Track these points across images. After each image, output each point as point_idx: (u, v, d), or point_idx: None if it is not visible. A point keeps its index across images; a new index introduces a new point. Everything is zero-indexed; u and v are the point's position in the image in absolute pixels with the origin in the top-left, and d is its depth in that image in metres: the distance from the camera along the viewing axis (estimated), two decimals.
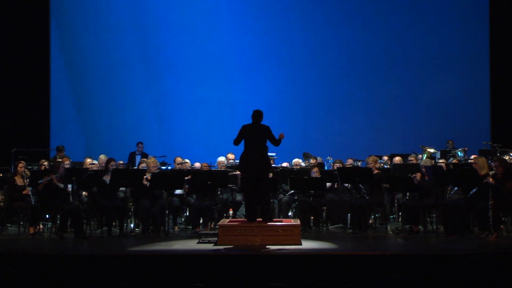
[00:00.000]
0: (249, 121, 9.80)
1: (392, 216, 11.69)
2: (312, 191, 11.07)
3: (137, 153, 14.54)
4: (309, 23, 16.85)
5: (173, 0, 16.92)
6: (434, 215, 10.62)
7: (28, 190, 10.86)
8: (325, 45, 16.81)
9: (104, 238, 10.26)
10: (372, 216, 11.13)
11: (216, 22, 16.82)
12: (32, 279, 7.35)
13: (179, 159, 12.50)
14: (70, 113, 16.66)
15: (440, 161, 12.39)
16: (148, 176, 10.79)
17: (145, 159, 12.26)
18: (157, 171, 11.25)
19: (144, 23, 16.83)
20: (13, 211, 11.11)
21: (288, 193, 11.45)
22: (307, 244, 9.23)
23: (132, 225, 11.07)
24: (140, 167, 11.78)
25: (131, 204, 11.06)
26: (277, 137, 9.74)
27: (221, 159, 12.68)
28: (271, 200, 10.81)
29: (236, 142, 9.75)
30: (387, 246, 9.53)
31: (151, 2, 16.89)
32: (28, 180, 10.91)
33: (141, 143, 14.68)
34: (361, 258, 8.03)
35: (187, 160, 12.80)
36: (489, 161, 11.19)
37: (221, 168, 12.26)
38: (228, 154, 13.07)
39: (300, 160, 13.16)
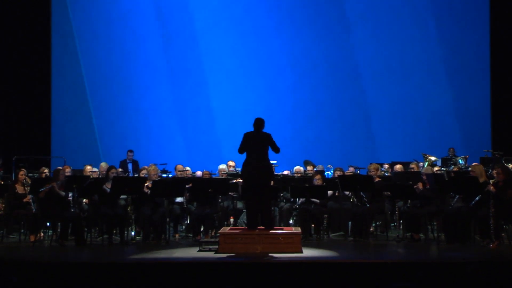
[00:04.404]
0: (250, 129, 9.81)
1: (393, 224, 11.66)
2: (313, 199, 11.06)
3: (127, 160, 14.54)
4: (310, 31, 16.88)
5: (172, 6, 16.95)
6: (435, 223, 10.60)
7: (29, 198, 10.85)
8: (326, 53, 16.84)
9: (104, 246, 10.25)
10: (373, 224, 11.10)
11: (217, 30, 16.86)
12: (32, 287, 7.34)
13: (180, 167, 12.49)
14: (71, 121, 16.67)
15: (435, 169, 12.36)
16: (149, 183, 10.79)
17: (146, 167, 12.25)
18: (158, 178, 11.24)
19: (144, 29, 16.85)
20: (14, 219, 11.10)
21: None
22: (308, 252, 9.21)
23: (132, 233, 11.05)
24: (141, 175, 11.77)
25: (131, 211, 11.04)
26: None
27: (222, 166, 12.69)
28: (272, 208, 10.79)
29: (241, 150, 9.74)
30: (388, 254, 9.50)
31: (150, 7, 16.92)
32: (28, 188, 10.90)
33: (131, 151, 14.70)
34: (362, 266, 8.02)
35: (188, 168, 12.81)
36: (490, 170, 11.18)
37: (222, 175, 12.26)
38: (229, 161, 13.08)
39: (302, 168, 13.16)
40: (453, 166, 13.11)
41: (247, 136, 9.75)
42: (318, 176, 11.44)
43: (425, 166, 12.68)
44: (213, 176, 12.20)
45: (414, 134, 16.63)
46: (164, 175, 12.65)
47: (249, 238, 9.33)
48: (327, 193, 11.07)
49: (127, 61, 16.81)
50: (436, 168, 12.41)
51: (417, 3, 16.93)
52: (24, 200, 10.83)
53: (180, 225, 11.87)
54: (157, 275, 7.84)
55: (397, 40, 16.84)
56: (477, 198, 9.79)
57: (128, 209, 10.88)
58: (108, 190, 10.59)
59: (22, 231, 11.03)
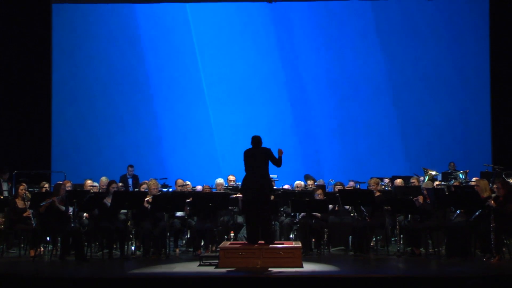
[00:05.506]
0: (249, 143, 9.84)
1: (393, 239, 11.65)
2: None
3: (128, 175, 14.53)
4: (311, 46, 16.92)
5: (174, 19, 16.99)
6: (435, 237, 10.60)
7: (29, 213, 10.84)
8: (327, 68, 16.87)
9: (105, 260, 10.23)
10: (374, 239, 11.09)
11: (217, 45, 16.88)
12: None
13: (180, 181, 12.49)
14: (71, 136, 16.67)
15: (436, 183, 12.36)
16: (149, 198, 10.79)
17: (146, 181, 12.25)
18: (158, 193, 11.24)
19: (145, 42, 16.88)
20: (14, 233, 11.08)
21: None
22: (308, 267, 9.20)
23: (133, 248, 11.03)
24: (141, 189, 11.77)
25: (132, 226, 11.03)
26: (276, 156, 9.76)
27: (220, 180, 12.67)
28: (272, 222, 10.78)
29: (246, 169, 9.78)
30: (388, 269, 9.49)
31: (152, 19, 16.97)
32: (29, 202, 10.89)
33: (132, 166, 14.68)
34: (363, 281, 8.01)
35: (188, 182, 12.81)
36: (490, 185, 11.17)
37: (219, 189, 12.26)
38: (229, 176, 13.08)
39: (302, 183, 13.16)
40: (453, 181, 13.10)
41: (247, 153, 9.80)
42: (320, 191, 11.42)
43: (426, 180, 12.69)
44: (213, 191, 12.20)
45: (414, 148, 16.62)
46: (165, 190, 12.66)
47: (250, 252, 9.33)
48: (328, 207, 11.07)
49: (127, 75, 16.82)
50: (436, 183, 12.41)
51: (418, 19, 16.99)
52: (24, 214, 10.82)
53: (180, 239, 11.87)
54: None
55: (398, 57, 16.86)
56: (477, 213, 9.78)
57: (128, 223, 10.87)
58: (109, 204, 10.59)
59: (22, 245, 11.02)
